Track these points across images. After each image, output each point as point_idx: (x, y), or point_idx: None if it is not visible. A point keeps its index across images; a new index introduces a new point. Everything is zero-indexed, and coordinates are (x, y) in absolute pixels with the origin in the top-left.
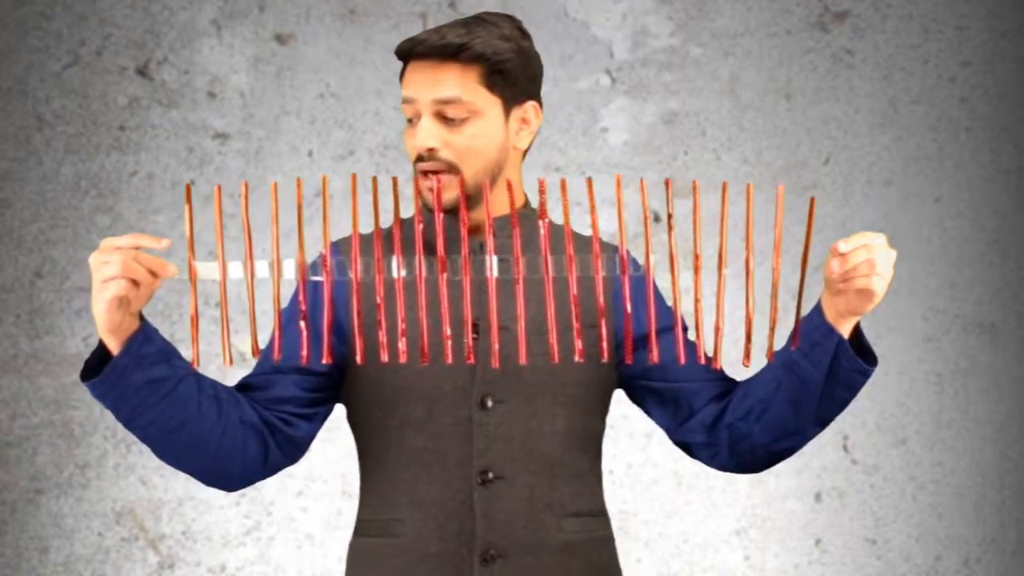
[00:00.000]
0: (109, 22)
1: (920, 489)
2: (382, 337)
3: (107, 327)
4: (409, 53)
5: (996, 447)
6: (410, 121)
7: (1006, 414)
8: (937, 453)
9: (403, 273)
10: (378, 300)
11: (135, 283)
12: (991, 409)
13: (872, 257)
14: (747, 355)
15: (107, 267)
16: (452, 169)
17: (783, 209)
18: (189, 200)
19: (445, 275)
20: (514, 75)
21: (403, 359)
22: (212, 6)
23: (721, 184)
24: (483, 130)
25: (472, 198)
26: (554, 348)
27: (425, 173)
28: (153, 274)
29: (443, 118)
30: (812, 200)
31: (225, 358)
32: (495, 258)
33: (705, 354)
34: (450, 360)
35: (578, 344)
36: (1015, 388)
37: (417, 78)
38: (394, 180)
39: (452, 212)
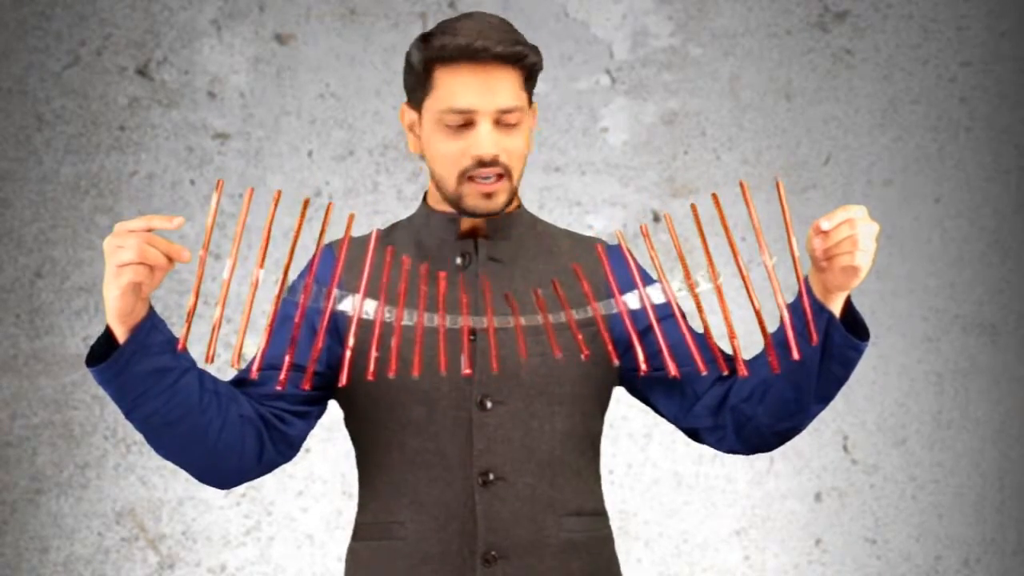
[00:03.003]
0: (109, 22)
1: (920, 489)
2: (374, 352)
3: (118, 313)
4: (467, 59)
5: (996, 447)
6: (462, 126)
7: (1006, 414)
8: (937, 453)
9: (395, 314)
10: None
11: (150, 268)
12: (991, 409)
13: (854, 233)
14: (772, 360)
15: (122, 252)
16: (506, 175)
17: (785, 200)
18: (219, 193)
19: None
20: (536, 79)
21: (391, 373)
22: (212, 6)
23: (730, 183)
24: (525, 134)
25: (511, 200)
26: (555, 346)
27: (474, 179)
28: (168, 259)
29: (499, 124)
30: (778, 184)
31: (234, 359)
32: (489, 267)
33: (718, 347)
34: (443, 370)
35: (583, 347)
36: (1015, 388)
37: (479, 86)
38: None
39: (491, 216)
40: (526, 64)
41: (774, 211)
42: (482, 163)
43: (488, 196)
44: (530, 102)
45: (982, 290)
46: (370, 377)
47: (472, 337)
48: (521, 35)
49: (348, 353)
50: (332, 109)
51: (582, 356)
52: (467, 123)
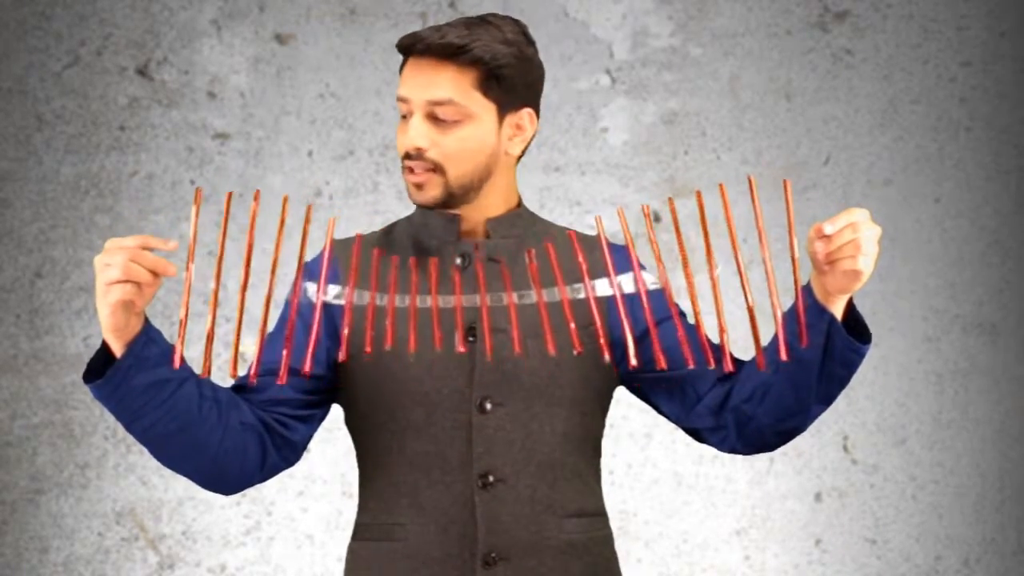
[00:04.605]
0: (109, 22)
1: (920, 489)
2: (370, 333)
3: (111, 329)
4: (409, 49)
5: (996, 447)
6: (404, 117)
7: (1006, 414)
8: (937, 453)
9: (396, 299)
10: (368, 307)
11: (138, 285)
12: (991, 409)
13: (857, 237)
14: (759, 356)
15: (110, 270)
16: (437, 169)
17: (791, 201)
18: (198, 204)
19: (438, 290)
20: (511, 81)
21: (388, 345)
22: (212, 6)
23: (730, 183)
24: (474, 134)
25: (456, 198)
26: (549, 342)
27: (411, 170)
28: (154, 273)
29: (435, 119)
30: (786, 183)
31: (232, 368)
32: (486, 268)
33: (708, 337)
34: (439, 346)
35: (575, 338)
36: (1015, 388)
37: (413, 77)
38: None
39: (435, 208)
40: (468, 60)
41: (773, 212)
42: (408, 155)
43: (418, 187)
44: (507, 105)
45: (982, 290)
46: (367, 350)
47: (471, 339)
48: (505, 38)
49: (346, 331)
50: (332, 109)
51: (574, 351)
52: (409, 113)
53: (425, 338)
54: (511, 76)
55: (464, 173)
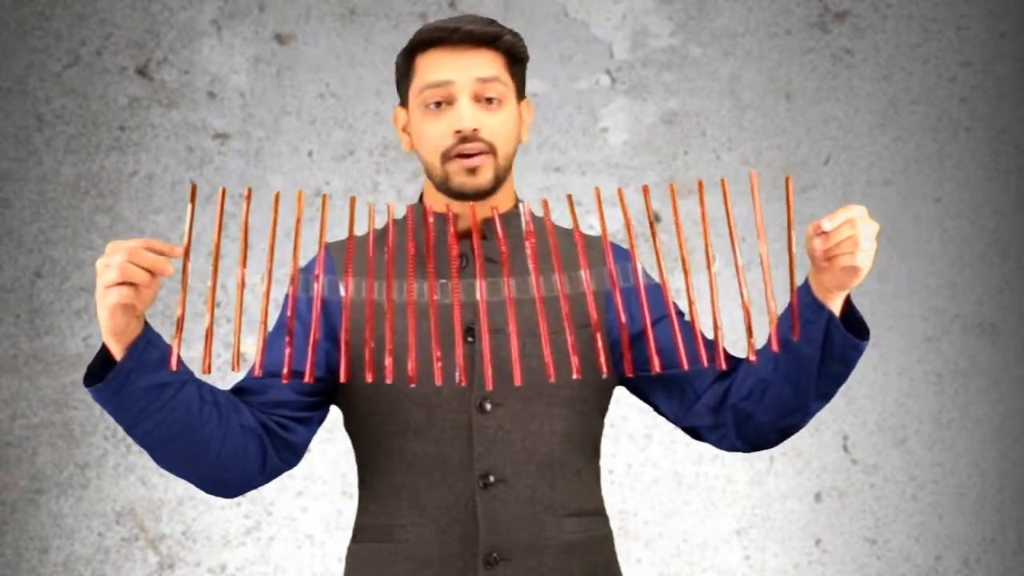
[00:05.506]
0: (109, 22)
1: (920, 489)
2: (368, 356)
3: (111, 332)
4: (433, 42)
5: (996, 447)
6: (438, 104)
7: (1006, 414)
8: (937, 453)
9: (394, 295)
10: (367, 317)
11: (135, 287)
12: (991, 409)
13: (855, 233)
14: (751, 349)
15: (108, 271)
16: (491, 151)
17: (792, 197)
18: (193, 200)
19: (435, 296)
20: (523, 70)
21: (389, 379)
22: (212, 6)
23: (730, 183)
24: (511, 115)
25: (499, 182)
26: (549, 366)
27: (465, 154)
28: (151, 273)
29: (479, 100)
30: (788, 178)
31: (234, 363)
32: (485, 268)
33: (702, 334)
34: (439, 382)
35: (574, 361)
36: (1015, 388)
37: (452, 61)
38: (390, 207)
39: (483, 196)
40: (503, 45)
41: (772, 211)
42: (464, 138)
43: (472, 172)
44: (520, 92)
45: (982, 290)
46: (368, 379)
47: (470, 339)
48: (508, 29)
49: (344, 347)
50: (332, 109)
51: (573, 375)
52: (447, 101)
53: (423, 344)
54: (523, 64)
55: (508, 155)
